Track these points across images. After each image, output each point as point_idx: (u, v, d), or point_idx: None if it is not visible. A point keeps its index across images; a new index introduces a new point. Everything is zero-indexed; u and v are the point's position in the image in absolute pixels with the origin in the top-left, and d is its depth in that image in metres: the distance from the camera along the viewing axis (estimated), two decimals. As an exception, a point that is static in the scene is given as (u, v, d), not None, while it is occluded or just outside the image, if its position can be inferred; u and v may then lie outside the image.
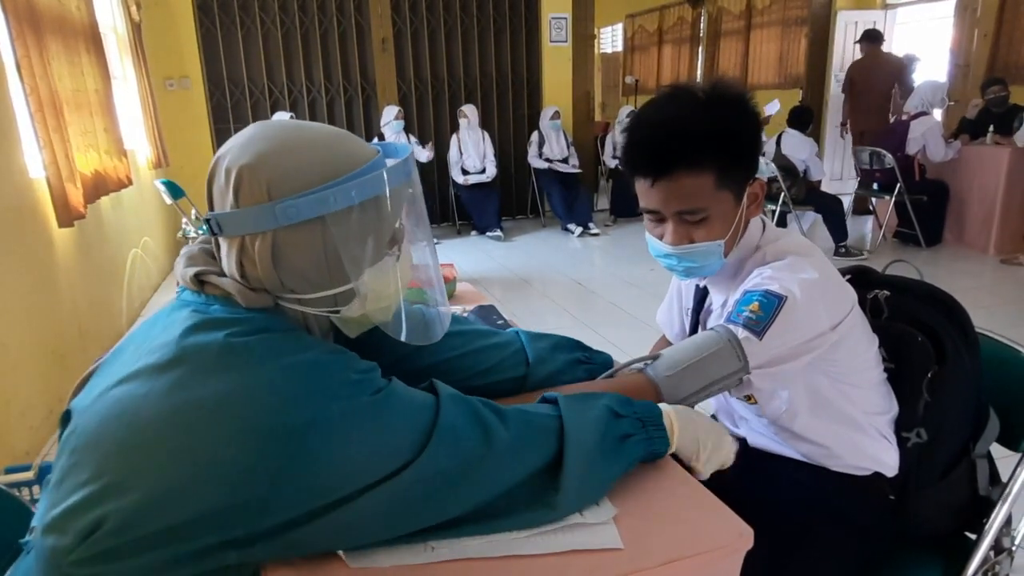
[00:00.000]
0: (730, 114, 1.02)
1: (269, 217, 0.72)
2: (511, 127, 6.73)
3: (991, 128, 5.01)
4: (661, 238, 1.09)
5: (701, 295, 1.20)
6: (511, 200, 6.77)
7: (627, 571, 0.73)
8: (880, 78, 6.02)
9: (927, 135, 4.95)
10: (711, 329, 1.02)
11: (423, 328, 0.88)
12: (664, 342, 1.39)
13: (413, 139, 6.08)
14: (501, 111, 6.68)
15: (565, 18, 6.60)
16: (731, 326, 1.00)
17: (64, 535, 0.65)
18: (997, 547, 1.13)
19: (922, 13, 7.35)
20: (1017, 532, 1.17)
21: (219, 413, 0.66)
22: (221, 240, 0.76)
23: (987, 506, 1.12)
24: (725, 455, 0.93)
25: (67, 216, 2.73)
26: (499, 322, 1.41)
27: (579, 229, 6.15)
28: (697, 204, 1.03)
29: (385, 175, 0.75)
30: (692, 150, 1.00)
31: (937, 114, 5.28)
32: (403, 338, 0.85)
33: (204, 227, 0.78)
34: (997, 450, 1.17)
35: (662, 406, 0.90)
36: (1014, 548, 1.15)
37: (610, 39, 12.76)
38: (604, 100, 12.21)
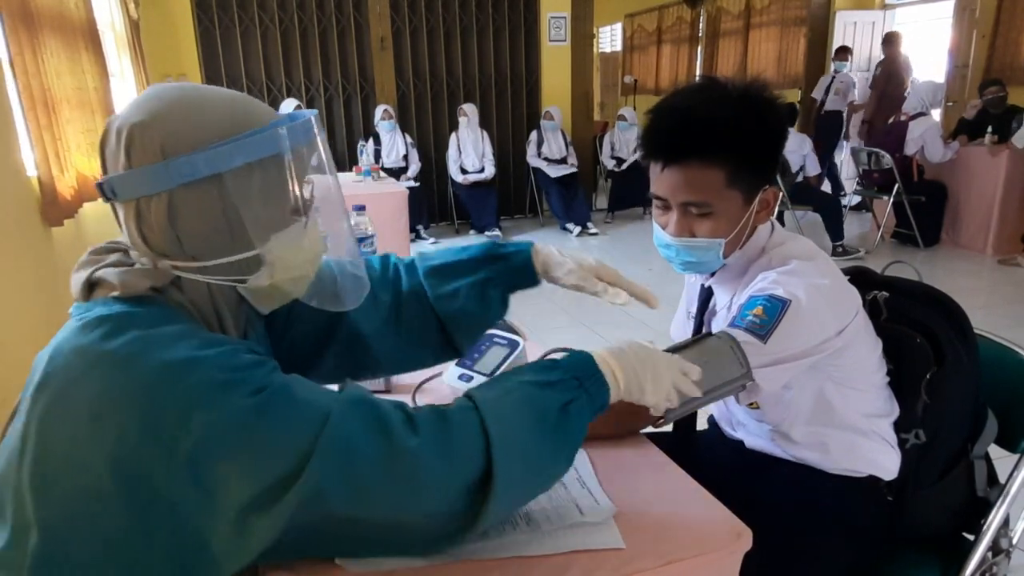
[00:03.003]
0: (755, 115, 1.02)
1: (163, 176, 0.68)
2: (510, 126, 6.72)
3: (989, 129, 5.02)
4: (665, 227, 1.08)
5: (705, 296, 1.20)
6: (509, 199, 6.76)
7: (627, 571, 0.73)
8: (897, 81, 6.22)
9: (925, 136, 4.96)
10: (713, 334, 1.02)
11: (335, 294, 0.83)
12: None
13: (409, 140, 6.08)
14: (500, 110, 6.67)
15: (564, 17, 6.60)
16: (734, 331, 0.99)
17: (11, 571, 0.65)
18: (995, 548, 1.13)
19: (921, 14, 7.36)
20: (1015, 533, 1.17)
21: (86, 440, 0.63)
22: (118, 207, 0.72)
23: (985, 507, 1.13)
24: (667, 384, 0.82)
25: (55, 215, 2.72)
26: (499, 321, 1.41)
27: (577, 228, 6.15)
28: (704, 197, 1.03)
29: (284, 134, 0.72)
30: (707, 141, 1.00)
31: (935, 115, 5.29)
32: (313, 303, 0.81)
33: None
34: (995, 451, 1.17)
35: (594, 352, 0.79)
36: (1011, 549, 1.16)
37: (609, 39, 12.76)
38: (603, 100, 12.20)
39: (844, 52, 6.50)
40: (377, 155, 5.79)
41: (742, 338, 0.98)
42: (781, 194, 1.10)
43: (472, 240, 6.08)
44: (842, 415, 1.09)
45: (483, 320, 0.99)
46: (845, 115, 6.71)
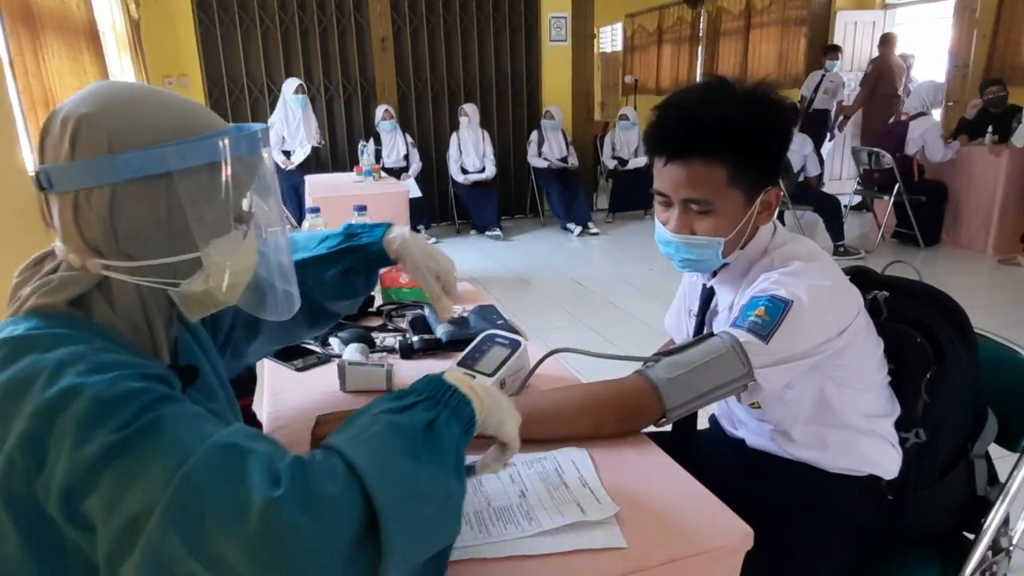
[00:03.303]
0: (760, 115, 1.02)
1: (109, 170, 0.67)
2: (510, 126, 6.73)
3: (990, 129, 5.02)
4: (666, 224, 1.09)
5: (707, 295, 1.20)
6: (510, 199, 6.77)
7: (629, 570, 0.73)
8: (888, 81, 6.28)
9: (926, 135, 4.96)
10: (715, 334, 1.02)
11: (263, 302, 0.85)
12: (670, 345, 1.39)
13: (410, 140, 6.09)
14: (500, 110, 6.67)
15: (565, 17, 6.60)
16: (735, 331, 0.99)
17: None
18: (995, 547, 1.13)
19: (921, 13, 7.36)
20: (1015, 532, 1.17)
21: None
22: (52, 199, 0.70)
23: (985, 506, 1.13)
24: (511, 414, 0.78)
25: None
26: (499, 321, 1.41)
27: (578, 228, 6.15)
28: (705, 195, 1.03)
29: (234, 142, 0.73)
30: (710, 138, 1.00)
31: (936, 114, 5.29)
32: (244, 307, 0.83)
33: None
34: (995, 450, 1.18)
35: (447, 376, 0.74)
36: (1012, 548, 1.16)
37: (609, 39, 12.76)
38: (604, 99, 12.20)
39: (835, 51, 6.53)
40: (378, 155, 5.79)
41: (744, 338, 0.98)
42: (782, 194, 1.10)
43: (471, 239, 6.09)
44: (843, 415, 1.09)
45: (350, 300, 1.13)
46: (832, 114, 6.72)
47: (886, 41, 6.48)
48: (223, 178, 0.73)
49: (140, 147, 0.68)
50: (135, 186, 0.68)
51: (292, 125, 5.62)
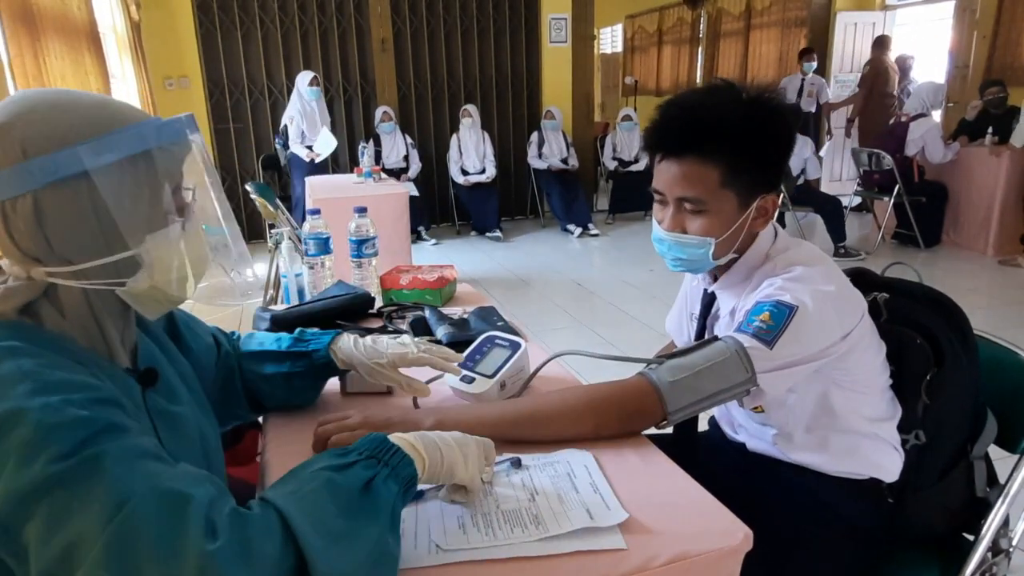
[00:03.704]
0: (759, 119, 1.03)
1: (26, 176, 0.66)
2: (510, 128, 6.73)
3: (990, 130, 5.02)
4: (661, 223, 1.10)
5: (708, 300, 1.20)
6: (510, 201, 6.77)
7: (629, 571, 0.73)
8: (883, 82, 6.32)
9: (926, 136, 4.97)
10: (719, 338, 1.02)
11: (227, 289, 0.87)
12: (672, 348, 1.39)
13: (410, 140, 6.09)
14: (501, 112, 6.68)
15: (565, 19, 6.60)
16: (740, 336, 0.99)
17: None
18: (995, 548, 1.13)
19: (921, 14, 7.37)
20: (1015, 533, 1.17)
21: None
22: None
23: (985, 507, 1.13)
24: (478, 457, 0.82)
25: None
26: (499, 323, 1.41)
27: (578, 230, 6.15)
28: (697, 193, 1.04)
29: (150, 132, 0.72)
30: (705, 137, 1.02)
31: (936, 115, 5.29)
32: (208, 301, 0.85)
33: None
34: (995, 451, 1.18)
35: (391, 436, 0.77)
36: (1011, 549, 1.16)
37: (610, 40, 12.77)
38: (604, 101, 12.22)
39: (810, 53, 6.50)
40: (378, 156, 5.79)
41: (748, 343, 0.98)
42: (782, 195, 1.11)
43: (472, 241, 6.09)
44: (846, 418, 1.09)
45: (294, 402, 1.10)
46: (814, 116, 6.64)
47: (880, 43, 6.52)
48: (145, 172, 0.72)
49: (53, 150, 0.67)
50: (56, 189, 0.68)
51: (310, 118, 5.49)
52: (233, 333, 1.14)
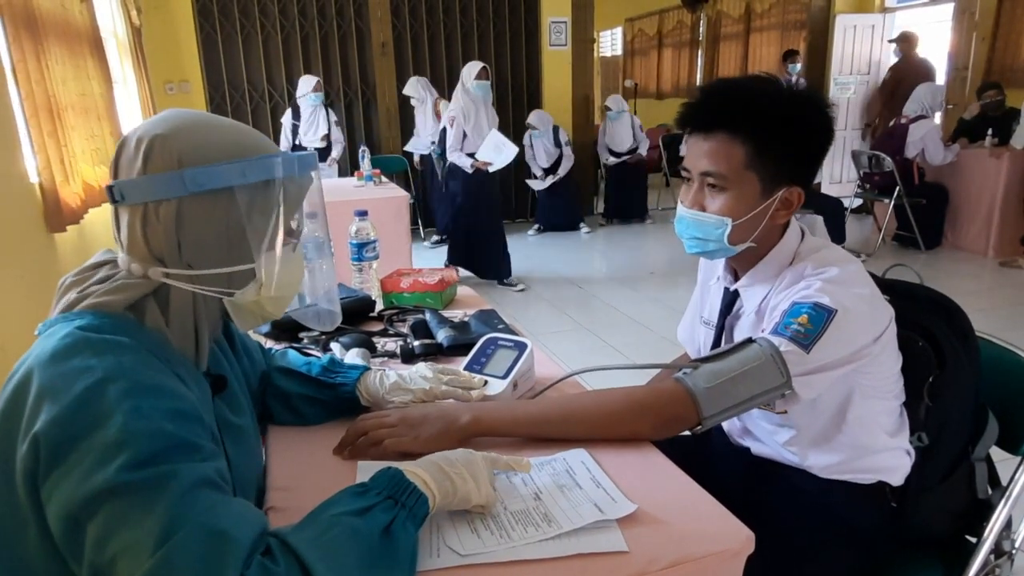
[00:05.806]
0: (791, 104, 1.03)
1: (177, 184, 0.74)
2: (510, 130, 6.71)
3: (989, 132, 5.02)
4: (683, 201, 1.11)
5: (730, 299, 1.18)
6: (510, 203, 6.77)
7: (630, 574, 0.73)
8: (913, 81, 5.95)
9: (926, 138, 4.97)
10: (754, 340, 1.00)
11: (306, 314, 0.98)
12: (685, 358, 1.35)
13: (333, 117, 5.59)
14: (500, 115, 6.64)
15: (564, 22, 6.61)
16: (776, 339, 0.98)
17: None
18: (997, 550, 1.13)
19: (920, 17, 7.37)
20: (1017, 535, 1.17)
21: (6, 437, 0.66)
22: (121, 211, 0.77)
23: (987, 509, 1.13)
24: (488, 476, 0.83)
25: (59, 221, 2.73)
26: (500, 326, 1.41)
27: (577, 232, 6.16)
28: (719, 169, 1.04)
29: (291, 161, 0.81)
30: (734, 113, 1.02)
31: (936, 117, 5.29)
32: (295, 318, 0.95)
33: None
34: (996, 453, 1.17)
35: (400, 465, 0.78)
36: (1014, 551, 1.16)
37: (609, 43, 12.78)
38: (603, 103, 12.22)
39: (794, 55, 6.47)
40: (295, 130, 5.31)
41: (785, 347, 0.96)
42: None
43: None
44: (865, 422, 1.08)
45: (303, 423, 1.09)
46: None
47: (906, 39, 6.18)
48: (277, 195, 0.80)
49: (205, 164, 0.75)
50: (199, 200, 0.75)
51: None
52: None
